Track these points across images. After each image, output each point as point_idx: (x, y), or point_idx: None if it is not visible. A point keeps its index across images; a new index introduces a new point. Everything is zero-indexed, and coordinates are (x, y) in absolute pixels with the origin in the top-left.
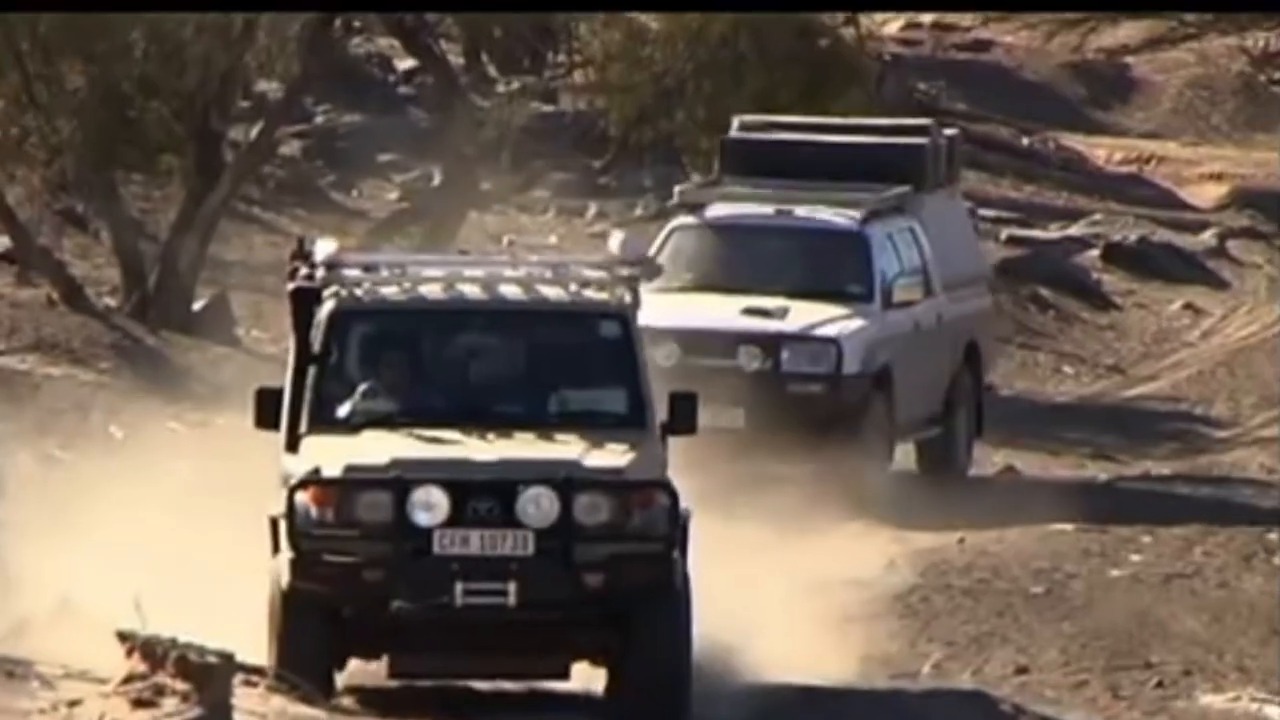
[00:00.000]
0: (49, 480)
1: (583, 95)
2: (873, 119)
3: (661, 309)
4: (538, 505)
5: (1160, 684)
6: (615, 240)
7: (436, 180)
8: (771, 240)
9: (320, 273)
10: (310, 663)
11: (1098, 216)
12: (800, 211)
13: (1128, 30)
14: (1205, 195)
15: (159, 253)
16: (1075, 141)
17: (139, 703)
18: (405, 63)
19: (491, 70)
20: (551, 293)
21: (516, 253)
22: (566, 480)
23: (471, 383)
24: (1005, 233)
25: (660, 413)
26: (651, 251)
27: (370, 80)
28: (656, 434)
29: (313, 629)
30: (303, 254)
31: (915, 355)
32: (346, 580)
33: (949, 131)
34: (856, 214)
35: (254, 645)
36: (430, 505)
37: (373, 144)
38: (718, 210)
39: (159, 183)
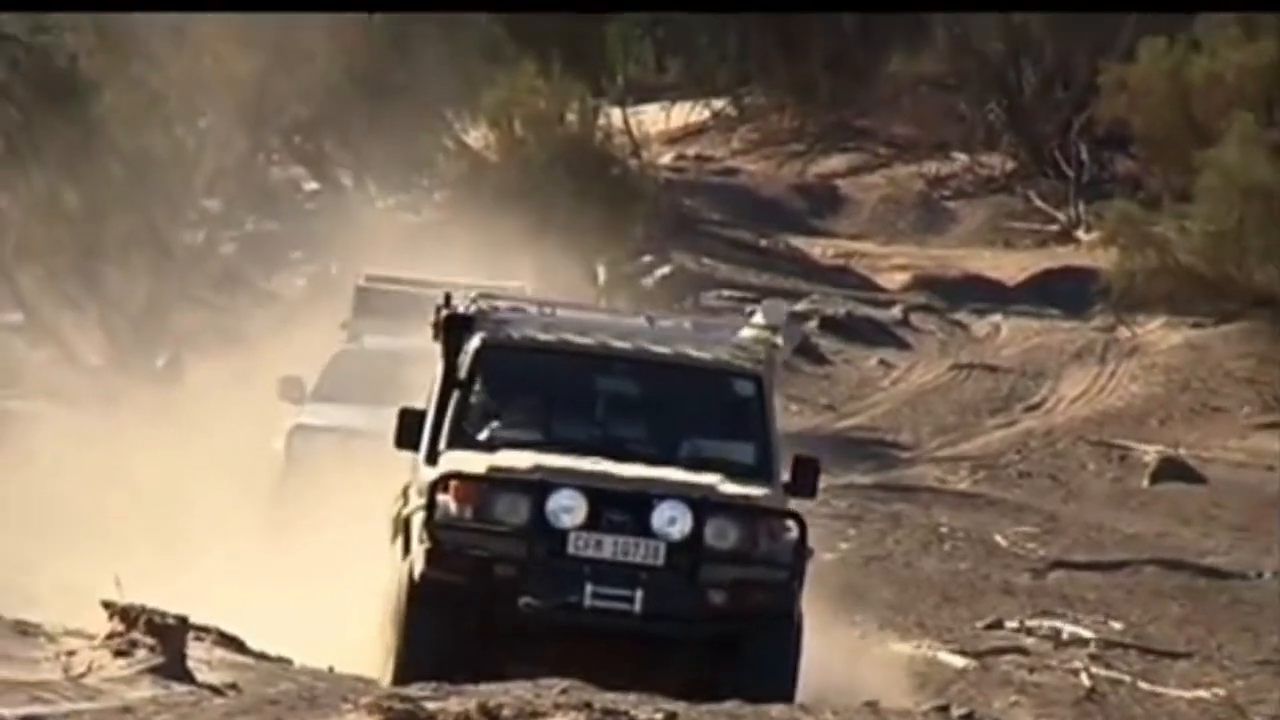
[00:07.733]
0: None
1: (441, 210)
2: (473, 280)
3: (325, 415)
4: (671, 519)
5: (862, 635)
6: (761, 308)
7: (334, 270)
8: (422, 365)
9: (473, 307)
10: (433, 651)
11: (816, 296)
12: None
13: (836, 161)
14: (893, 281)
15: (132, 325)
16: (799, 242)
17: (118, 653)
18: (310, 185)
19: (373, 190)
20: (691, 349)
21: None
22: (702, 500)
23: (607, 423)
24: (748, 309)
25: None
26: (319, 373)
27: (284, 198)
28: (781, 488)
29: (439, 620)
30: (448, 304)
31: None
32: (478, 573)
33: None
34: None
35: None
36: (569, 508)
37: (286, 245)
38: (374, 340)
39: (134, 275)
